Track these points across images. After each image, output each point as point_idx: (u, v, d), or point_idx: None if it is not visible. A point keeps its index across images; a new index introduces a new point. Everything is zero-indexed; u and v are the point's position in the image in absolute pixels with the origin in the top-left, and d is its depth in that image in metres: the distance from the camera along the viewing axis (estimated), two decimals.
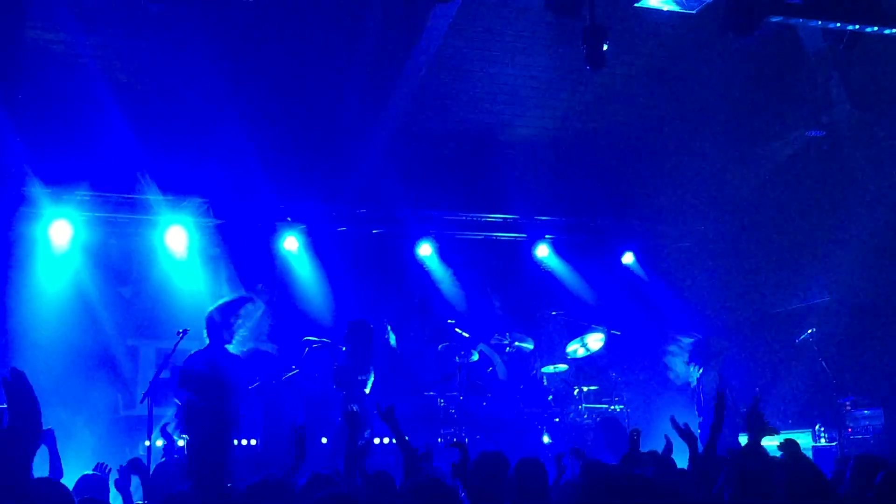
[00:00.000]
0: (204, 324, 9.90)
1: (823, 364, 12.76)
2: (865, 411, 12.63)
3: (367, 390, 11.55)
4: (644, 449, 7.68)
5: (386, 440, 12.12)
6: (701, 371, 12.05)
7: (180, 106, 12.83)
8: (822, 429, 12.54)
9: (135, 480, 7.83)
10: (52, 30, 12.11)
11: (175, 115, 12.83)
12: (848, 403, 12.61)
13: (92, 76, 12.27)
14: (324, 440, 12.07)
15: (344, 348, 11.78)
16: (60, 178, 12.49)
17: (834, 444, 12.21)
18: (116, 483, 7.42)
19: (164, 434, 9.47)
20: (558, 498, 6.45)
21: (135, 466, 7.54)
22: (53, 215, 12.61)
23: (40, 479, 5.18)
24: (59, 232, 12.67)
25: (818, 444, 12.36)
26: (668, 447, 7.37)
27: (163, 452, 10.02)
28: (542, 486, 6.05)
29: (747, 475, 5.46)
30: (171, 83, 12.81)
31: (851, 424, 12.53)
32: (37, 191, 12.35)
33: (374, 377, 11.68)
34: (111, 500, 7.20)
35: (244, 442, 12.57)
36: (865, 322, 13.97)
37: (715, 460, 6.19)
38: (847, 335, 13.94)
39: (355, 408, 9.64)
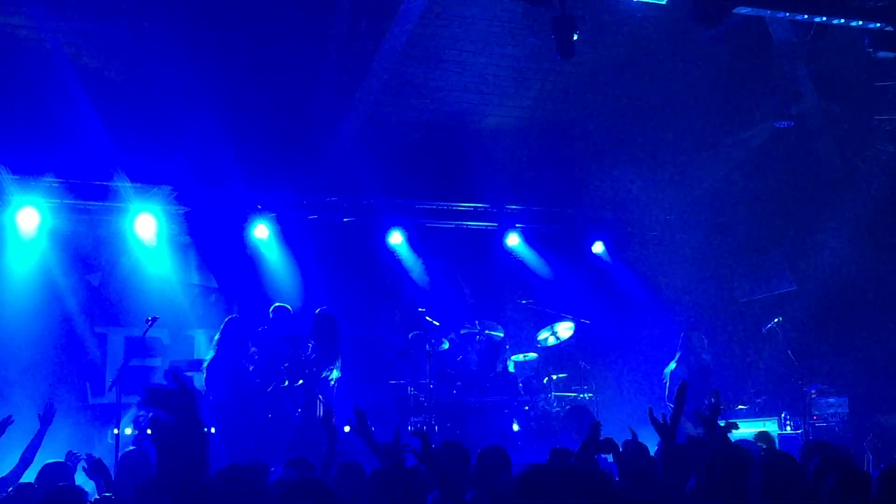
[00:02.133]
0: None
1: (789, 353, 12.90)
2: (830, 399, 12.79)
3: (333, 383, 11.59)
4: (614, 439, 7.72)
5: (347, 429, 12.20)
6: (675, 365, 12.14)
7: (149, 93, 12.73)
8: (788, 416, 12.69)
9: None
10: (17, 14, 11.98)
11: (144, 102, 12.74)
12: (813, 391, 12.76)
13: (59, 62, 12.14)
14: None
15: (311, 343, 11.78)
16: (27, 166, 12.38)
17: (799, 431, 12.36)
18: (87, 472, 7.41)
19: (137, 425, 9.43)
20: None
21: (95, 468, 7.42)
22: (21, 203, 12.49)
23: None
24: (27, 219, 12.54)
25: (784, 432, 12.50)
26: (633, 437, 7.42)
27: (132, 441, 9.97)
28: (503, 473, 6.09)
29: (719, 466, 5.49)
30: (140, 70, 12.71)
31: (817, 412, 12.68)
32: (3, 178, 12.23)
33: (341, 371, 11.71)
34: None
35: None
36: (831, 311, 14.14)
37: (676, 449, 6.28)
38: (813, 324, 14.12)
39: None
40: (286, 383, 11.65)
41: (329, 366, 11.62)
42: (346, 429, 11.93)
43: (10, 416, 8.09)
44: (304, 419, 11.37)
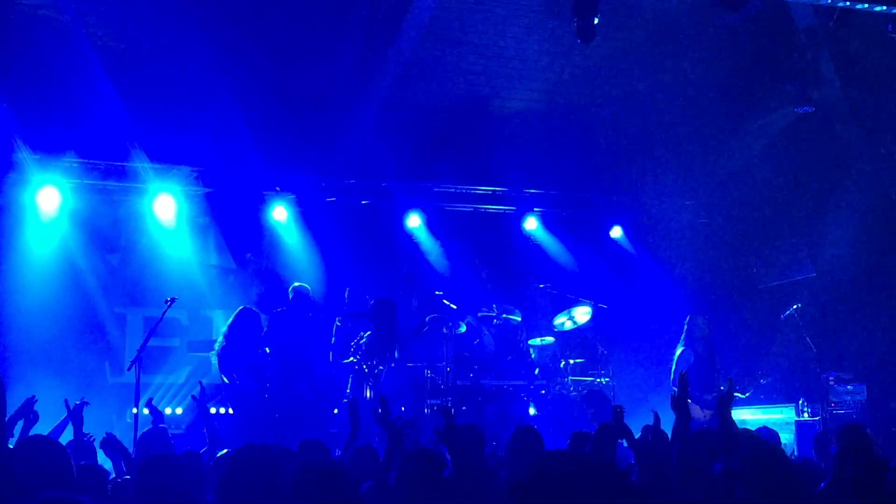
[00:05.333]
0: None
1: (808, 339, 12.85)
2: (848, 387, 12.73)
3: (379, 370, 11.71)
4: (631, 423, 7.73)
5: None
6: (682, 349, 12.11)
7: (169, 74, 12.76)
8: (806, 403, 12.65)
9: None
10: None
11: (164, 83, 12.77)
12: (831, 378, 12.70)
13: (80, 43, 12.18)
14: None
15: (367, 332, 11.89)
16: (48, 145, 12.44)
17: (817, 418, 12.31)
18: (104, 449, 7.49)
19: (150, 406, 9.47)
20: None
21: (109, 444, 7.52)
22: (41, 182, 12.57)
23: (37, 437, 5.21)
24: (47, 199, 12.64)
25: (801, 419, 12.47)
26: (656, 421, 7.42)
27: (151, 422, 10.02)
28: (536, 454, 6.10)
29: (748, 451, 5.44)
30: (161, 51, 12.73)
31: (834, 399, 12.62)
32: (24, 157, 12.30)
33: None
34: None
35: (221, 410, 12.66)
36: (850, 298, 14.06)
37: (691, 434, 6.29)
38: (832, 311, 14.04)
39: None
40: (331, 356, 11.75)
41: (386, 354, 11.73)
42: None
43: (33, 396, 8.15)
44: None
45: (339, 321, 12.11)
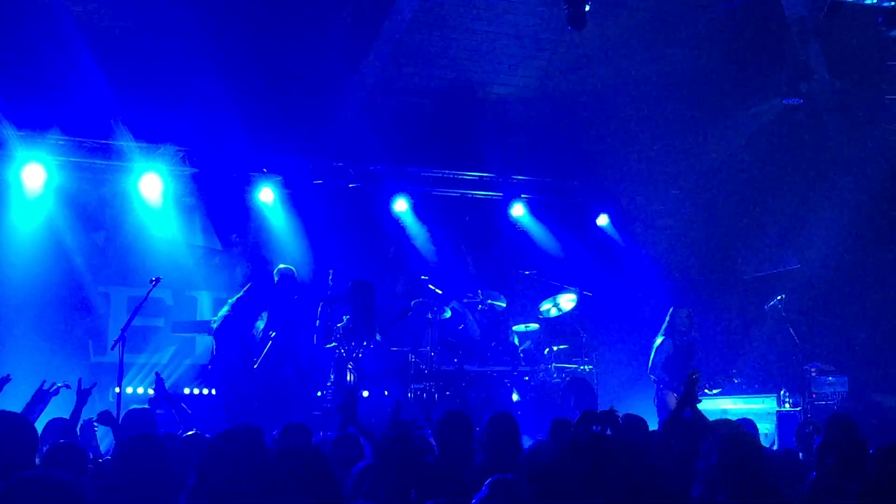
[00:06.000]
0: None
1: (791, 330, 12.90)
2: (830, 378, 12.80)
3: (359, 354, 11.71)
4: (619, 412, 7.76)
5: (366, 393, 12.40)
6: (661, 339, 12.16)
7: (156, 53, 12.69)
8: (787, 394, 12.71)
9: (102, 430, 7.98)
10: None
11: (150, 61, 12.70)
12: (813, 370, 12.76)
13: (65, 18, 12.10)
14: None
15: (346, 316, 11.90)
16: (33, 122, 12.35)
17: (798, 409, 12.38)
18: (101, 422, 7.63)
19: (158, 380, 9.50)
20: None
21: (105, 418, 7.68)
22: (26, 159, 12.48)
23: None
24: (32, 175, 12.53)
25: (783, 409, 12.54)
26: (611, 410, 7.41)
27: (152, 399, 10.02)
28: (513, 441, 6.12)
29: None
30: (148, 29, 12.66)
31: (816, 390, 12.69)
32: (9, 134, 12.21)
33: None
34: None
35: (205, 391, 12.68)
36: (834, 291, 14.14)
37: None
38: (815, 303, 14.11)
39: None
40: (315, 340, 11.76)
41: (364, 337, 11.71)
42: (365, 393, 12.17)
43: (7, 375, 8.11)
44: (335, 387, 11.49)
45: (320, 307, 12.10)
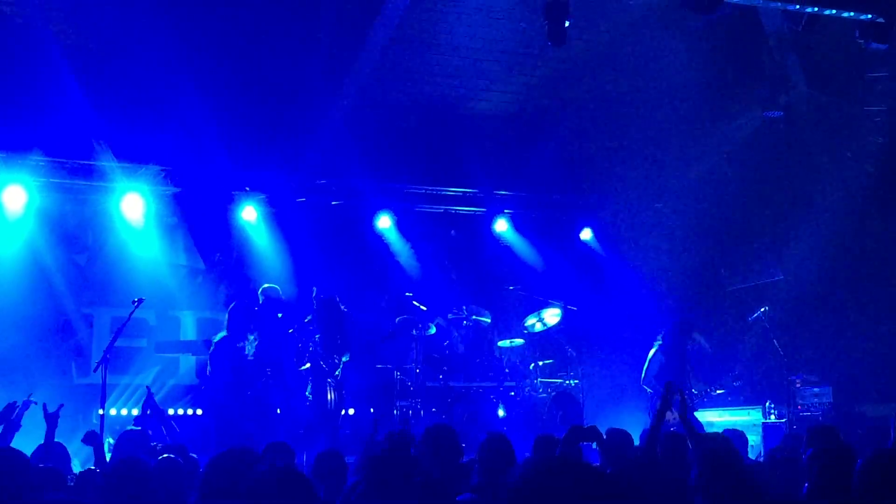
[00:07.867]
0: None
1: (775, 342, 12.95)
2: (814, 389, 12.88)
3: (339, 370, 11.60)
4: (600, 426, 7.75)
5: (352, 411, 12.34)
6: (655, 350, 12.17)
7: (136, 72, 12.63)
8: (772, 405, 12.76)
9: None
10: None
11: (131, 81, 12.64)
12: (798, 381, 12.84)
13: (44, 38, 12.02)
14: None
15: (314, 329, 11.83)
16: (13, 143, 12.29)
17: (783, 420, 12.43)
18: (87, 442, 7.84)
19: (149, 394, 9.47)
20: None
21: (90, 439, 7.71)
22: (6, 180, 12.41)
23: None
24: (13, 197, 12.46)
25: (768, 421, 12.58)
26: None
27: (135, 422, 9.97)
28: (510, 461, 6.11)
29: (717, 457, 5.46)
30: (128, 49, 12.60)
31: (801, 401, 12.76)
32: None
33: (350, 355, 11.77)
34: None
35: (189, 412, 12.61)
36: (817, 302, 14.21)
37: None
38: (799, 314, 14.18)
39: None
40: (307, 365, 11.67)
41: (338, 353, 11.62)
42: (351, 411, 12.11)
43: (14, 402, 8.13)
44: (315, 406, 11.41)
45: (292, 330, 12.01)
